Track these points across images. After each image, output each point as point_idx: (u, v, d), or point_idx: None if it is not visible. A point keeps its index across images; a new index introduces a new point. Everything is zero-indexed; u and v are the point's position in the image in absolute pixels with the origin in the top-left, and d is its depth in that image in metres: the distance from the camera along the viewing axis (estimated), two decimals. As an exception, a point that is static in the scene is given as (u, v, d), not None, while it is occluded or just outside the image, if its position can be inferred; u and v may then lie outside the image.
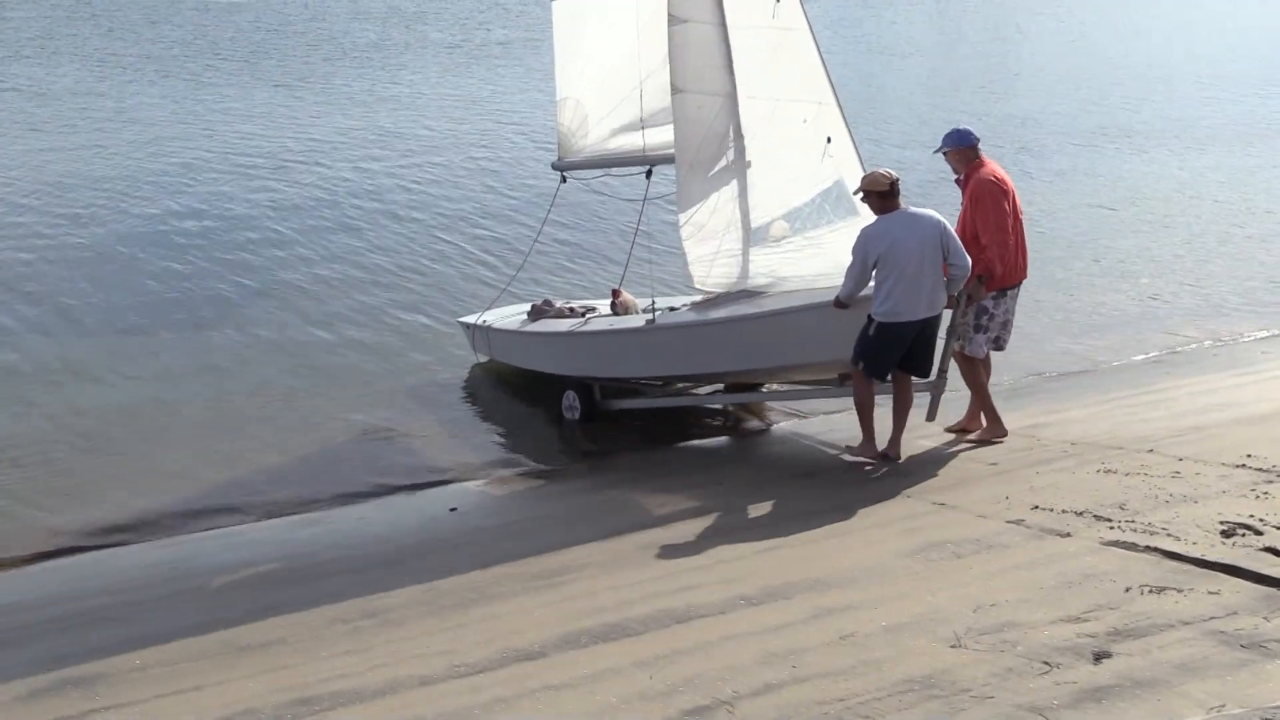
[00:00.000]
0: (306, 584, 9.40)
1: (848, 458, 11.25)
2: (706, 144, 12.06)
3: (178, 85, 37.42)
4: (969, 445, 11.19)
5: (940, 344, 11.03)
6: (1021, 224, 11.30)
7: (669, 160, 12.68)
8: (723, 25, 11.93)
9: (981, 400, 11.46)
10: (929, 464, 10.74)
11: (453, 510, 11.23)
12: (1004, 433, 11.29)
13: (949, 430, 11.59)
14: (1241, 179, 24.70)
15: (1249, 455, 9.25)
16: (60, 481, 11.96)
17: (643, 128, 13.31)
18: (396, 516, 11.38)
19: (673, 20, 11.87)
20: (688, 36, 11.91)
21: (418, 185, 24.86)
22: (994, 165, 11.34)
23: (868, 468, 10.86)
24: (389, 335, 16.29)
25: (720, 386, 13.50)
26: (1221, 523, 7.72)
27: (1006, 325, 11.39)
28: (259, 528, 11.20)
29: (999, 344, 11.44)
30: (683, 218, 12.10)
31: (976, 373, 11.39)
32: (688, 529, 9.67)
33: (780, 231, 12.07)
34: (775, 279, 12.03)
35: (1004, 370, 14.31)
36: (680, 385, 13.45)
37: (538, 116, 29.24)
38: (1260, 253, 19.42)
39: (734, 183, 12.12)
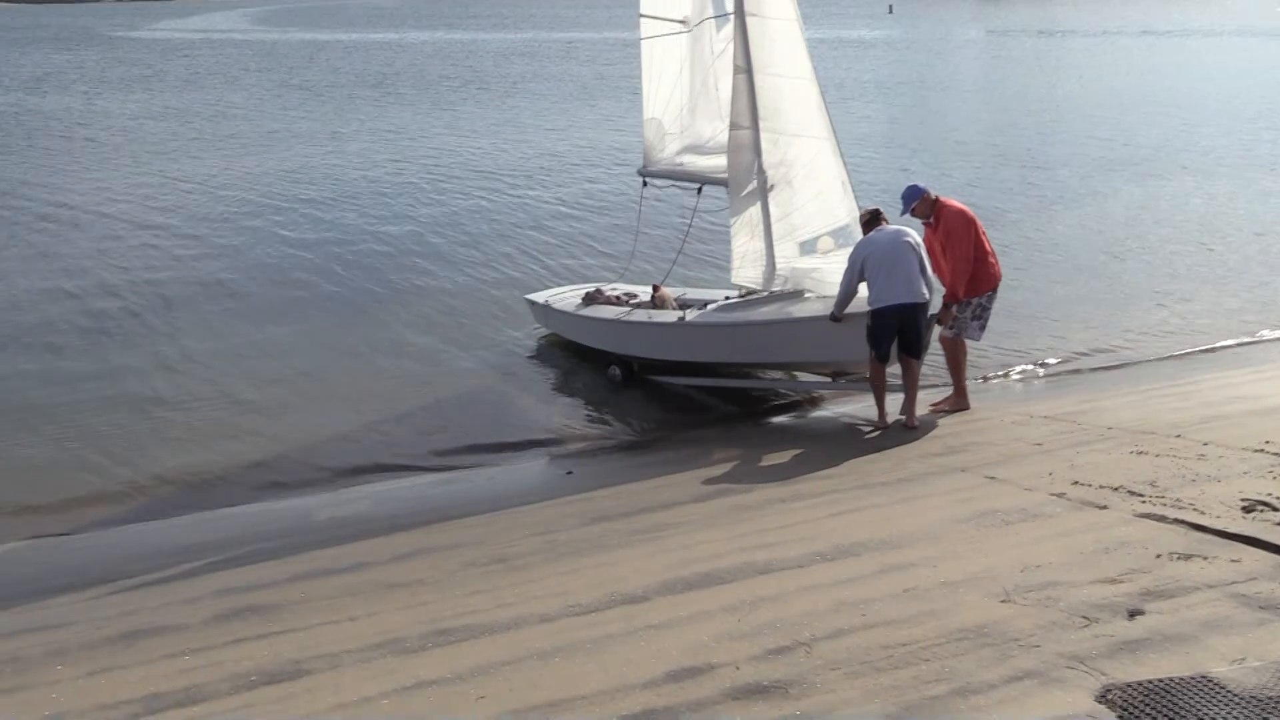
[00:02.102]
0: (444, 532, 9.52)
1: (866, 428, 11.95)
2: (749, 170, 12.88)
3: (327, 112, 38.21)
4: (1015, 423, 11.14)
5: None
6: (986, 239, 12.12)
7: (719, 182, 13.67)
8: (768, 73, 12.60)
9: (961, 378, 12.29)
10: (981, 443, 10.63)
11: (569, 474, 11.32)
12: (968, 405, 12.10)
13: (934, 406, 12.23)
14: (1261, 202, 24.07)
15: (1267, 441, 9.04)
16: (237, 445, 12.25)
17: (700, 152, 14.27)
18: (519, 477, 11.55)
19: (736, 70, 12.63)
20: (742, 83, 12.63)
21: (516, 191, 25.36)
22: (954, 202, 12.17)
23: (919, 442, 10.93)
24: (486, 308, 17.29)
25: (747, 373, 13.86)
26: (1242, 499, 7.56)
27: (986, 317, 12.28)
28: (402, 483, 11.40)
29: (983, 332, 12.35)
30: (732, 226, 13.09)
31: (959, 356, 12.24)
32: (769, 493, 9.65)
33: (826, 245, 12.85)
34: (800, 282, 12.96)
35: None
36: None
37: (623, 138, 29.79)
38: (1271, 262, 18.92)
39: (760, 203, 12.94)
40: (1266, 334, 15.25)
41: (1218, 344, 14.92)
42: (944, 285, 12.00)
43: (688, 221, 15.04)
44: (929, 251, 11.83)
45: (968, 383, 12.46)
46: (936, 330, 12.08)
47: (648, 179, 14.88)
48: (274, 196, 25.89)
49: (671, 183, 14.70)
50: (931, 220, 12.10)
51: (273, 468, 11.71)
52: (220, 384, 14.08)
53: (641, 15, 14.29)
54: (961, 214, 12.00)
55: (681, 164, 14.49)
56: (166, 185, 27.45)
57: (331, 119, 40.70)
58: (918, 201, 12.09)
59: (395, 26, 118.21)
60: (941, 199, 12.15)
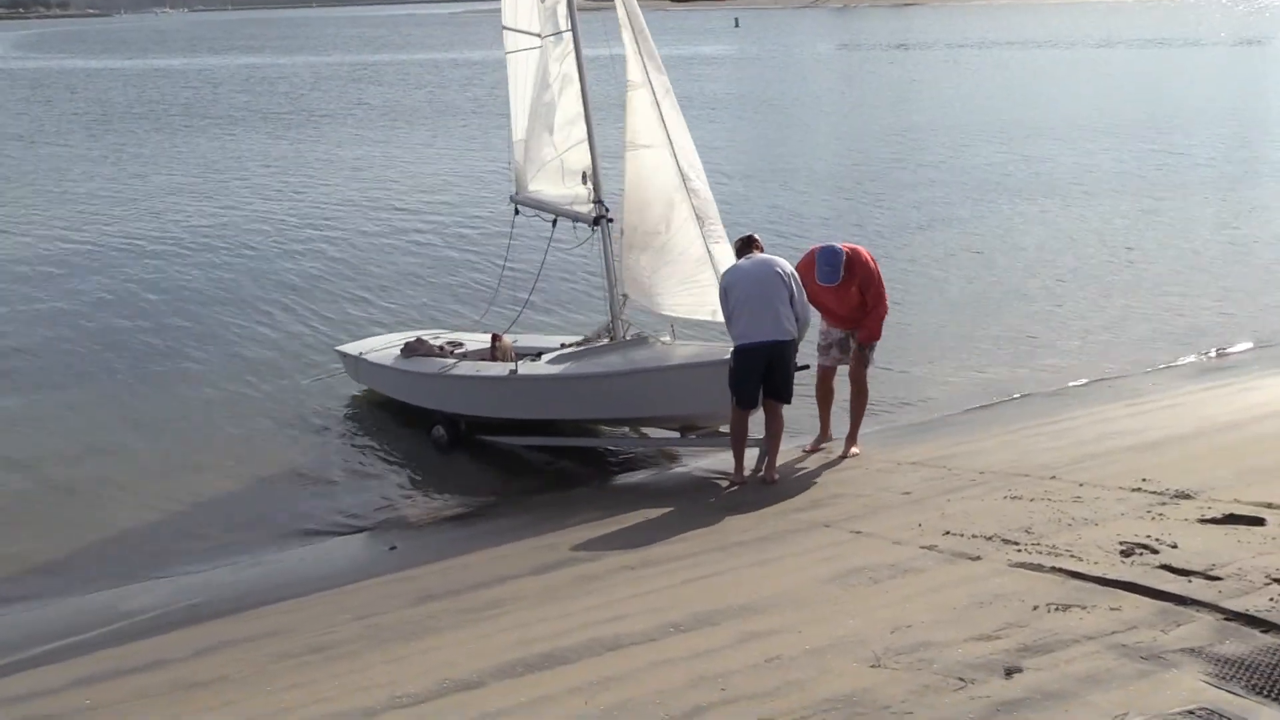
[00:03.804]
0: (252, 621, 9.35)
1: (723, 483, 11.94)
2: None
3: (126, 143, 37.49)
4: (882, 470, 11.42)
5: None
6: None
7: (570, 215, 13.94)
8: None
9: (827, 412, 12.83)
10: (846, 494, 10.86)
11: (392, 549, 11.21)
12: (831, 437, 12.67)
13: (808, 450, 12.57)
14: (1128, 225, 25.09)
15: (1144, 479, 9.40)
16: (9, 532, 11.87)
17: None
18: (335, 555, 11.41)
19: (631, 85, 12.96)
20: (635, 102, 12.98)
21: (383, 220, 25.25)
22: (852, 245, 12.41)
23: (780, 496, 11.07)
24: (297, 363, 17.22)
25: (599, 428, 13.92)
26: (1120, 543, 7.84)
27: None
28: (201, 569, 11.16)
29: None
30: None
31: (831, 388, 12.71)
32: (617, 560, 9.69)
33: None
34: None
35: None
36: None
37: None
38: (1140, 294, 19.65)
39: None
40: (1136, 368, 15.86)
41: (1093, 377, 15.47)
42: (861, 326, 12.20)
43: (540, 258, 14.77)
44: (842, 301, 12.06)
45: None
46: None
47: (519, 206, 14.77)
48: (60, 241, 25.35)
49: (534, 213, 14.58)
50: (842, 275, 12.05)
51: (54, 558, 11.37)
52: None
53: (504, 28, 14.41)
54: (865, 254, 12.28)
55: (541, 191, 14.53)
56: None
57: (137, 151, 40.21)
58: (845, 259, 12.01)
59: (215, 51, 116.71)
60: (845, 247, 12.23)
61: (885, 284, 12.42)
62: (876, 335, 12.34)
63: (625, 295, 13.60)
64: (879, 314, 12.24)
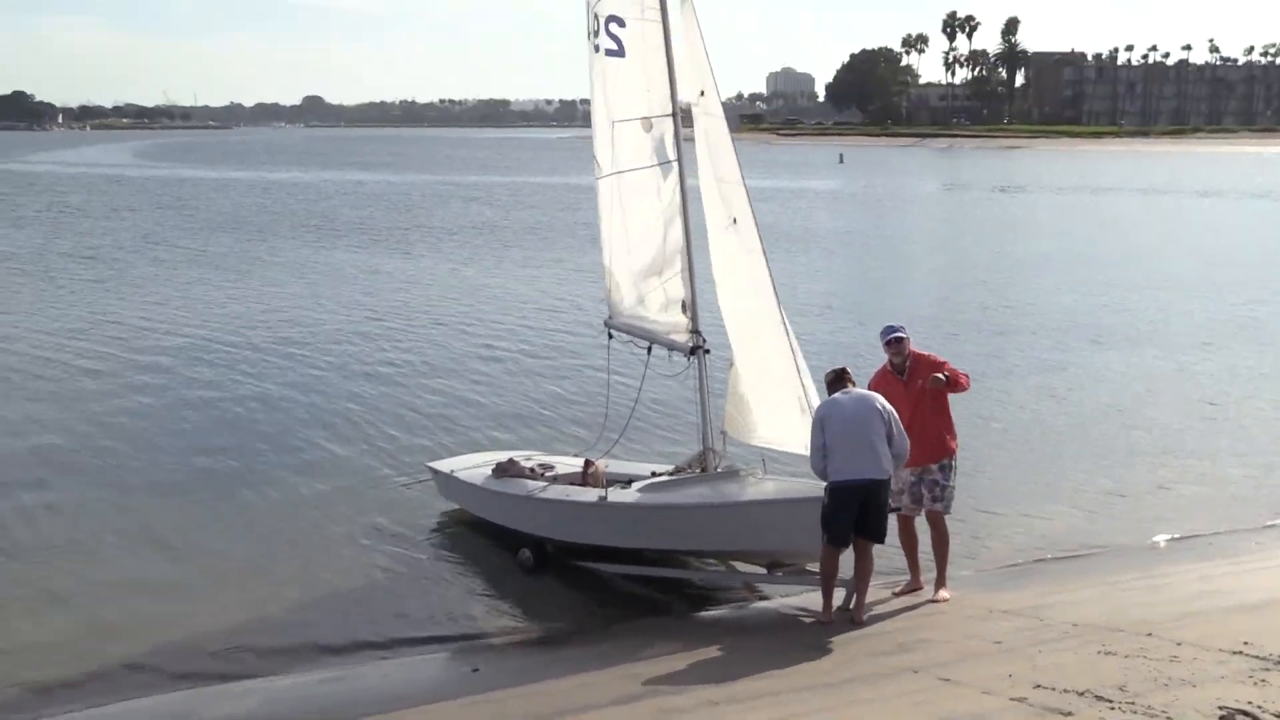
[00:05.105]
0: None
1: (809, 621, 11.84)
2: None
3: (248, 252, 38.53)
4: (973, 617, 11.22)
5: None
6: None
7: (667, 344, 14.02)
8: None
9: (915, 557, 12.61)
10: (934, 640, 10.69)
11: (475, 671, 11.18)
12: (920, 585, 12.42)
13: (898, 594, 12.39)
14: (1214, 378, 24.67)
15: (1246, 643, 9.19)
16: (99, 637, 12.03)
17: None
18: (417, 674, 11.40)
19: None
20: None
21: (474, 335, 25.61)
22: (928, 353, 12.56)
23: (868, 637, 10.90)
24: (388, 476, 17.34)
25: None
26: (1220, 708, 7.66)
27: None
28: (284, 681, 11.19)
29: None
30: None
31: (915, 534, 12.54)
32: (701, 695, 9.60)
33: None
34: None
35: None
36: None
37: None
38: (1231, 451, 19.25)
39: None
40: (1242, 524, 15.53)
41: (1192, 532, 15.16)
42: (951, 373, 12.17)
43: (636, 384, 14.86)
44: (905, 404, 11.90)
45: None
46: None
47: (612, 331, 14.85)
48: (165, 350, 26.03)
49: (631, 338, 14.64)
50: (904, 372, 12.21)
51: (133, 656, 11.50)
52: (85, 562, 13.95)
53: (594, 156, 14.54)
54: (939, 360, 12.33)
55: (639, 317, 14.53)
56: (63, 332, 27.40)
57: (251, 261, 41.48)
58: (905, 338, 12.26)
59: (327, 165, 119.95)
60: (914, 349, 12.35)
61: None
62: (962, 384, 12.26)
63: (724, 433, 13.67)
64: (965, 377, 12.33)
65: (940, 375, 12.09)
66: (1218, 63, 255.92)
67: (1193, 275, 40.08)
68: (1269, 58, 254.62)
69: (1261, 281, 38.27)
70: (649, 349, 14.34)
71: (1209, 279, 39.04)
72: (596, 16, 13.86)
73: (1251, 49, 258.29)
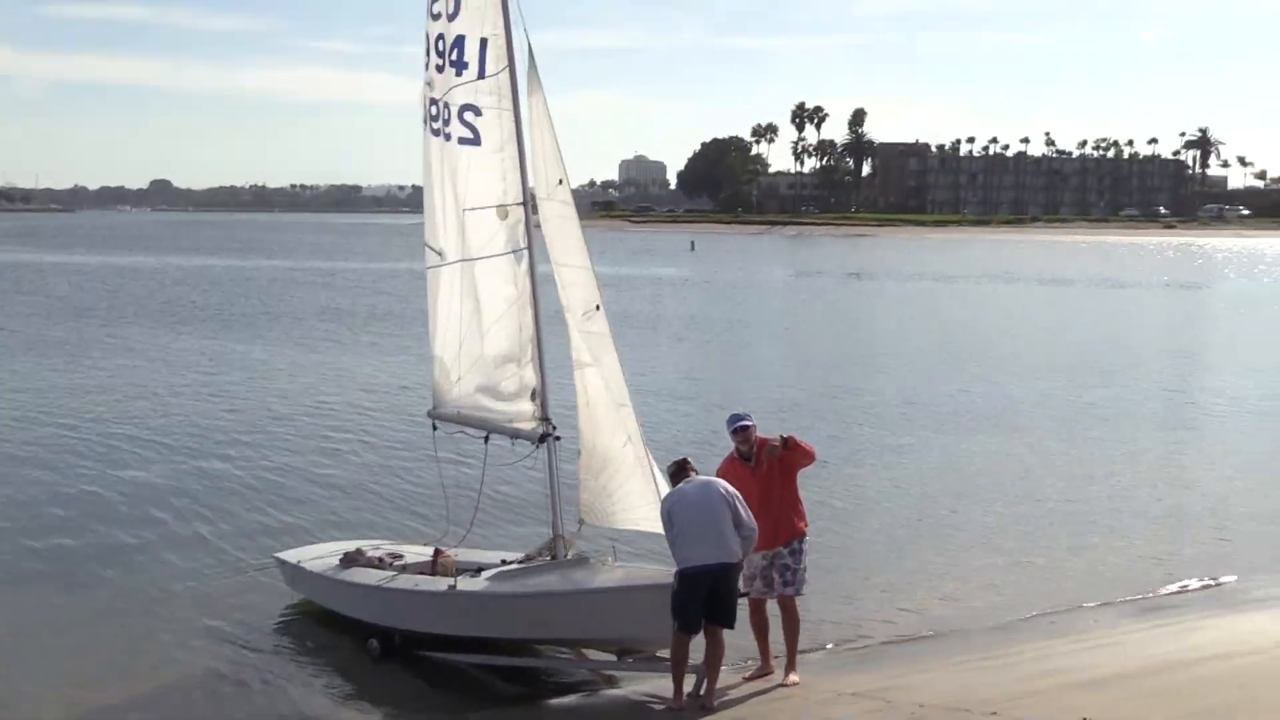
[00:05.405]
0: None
1: (658, 707, 11.81)
2: None
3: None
4: (821, 701, 11.24)
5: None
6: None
7: (516, 433, 13.97)
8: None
9: (765, 643, 12.62)
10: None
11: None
12: (771, 669, 12.39)
13: (748, 679, 12.36)
14: (1066, 459, 25.36)
15: (1085, 718, 9.34)
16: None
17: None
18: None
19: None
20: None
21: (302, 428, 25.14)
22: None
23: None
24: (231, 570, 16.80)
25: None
26: (1061, 785, 7.75)
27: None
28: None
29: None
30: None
31: (766, 618, 12.54)
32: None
33: None
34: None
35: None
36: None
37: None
38: (1078, 530, 19.70)
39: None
40: (1088, 602, 15.86)
41: (1034, 612, 15.42)
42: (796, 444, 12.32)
43: (482, 473, 14.54)
44: (753, 488, 11.99)
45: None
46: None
47: (437, 421, 14.79)
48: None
49: (460, 428, 14.57)
50: (751, 459, 12.32)
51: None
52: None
53: (425, 244, 14.55)
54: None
55: (480, 407, 14.39)
56: None
57: (90, 345, 40.44)
58: (751, 425, 12.38)
59: (172, 250, 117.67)
60: (760, 435, 12.47)
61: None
62: (804, 449, 12.42)
63: (582, 522, 13.67)
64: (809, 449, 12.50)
65: (775, 443, 12.20)
66: (1053, 155, 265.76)
67: (1032, 361, 41.19)
68: (1100, 151, 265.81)
69: (1102, 369, 39.37)
70: (486, 438, 14.27)
71: (1049, 365, 40.12)
72: (446, 105, 13.82)
73: (1084, 142, 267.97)
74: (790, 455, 12.33)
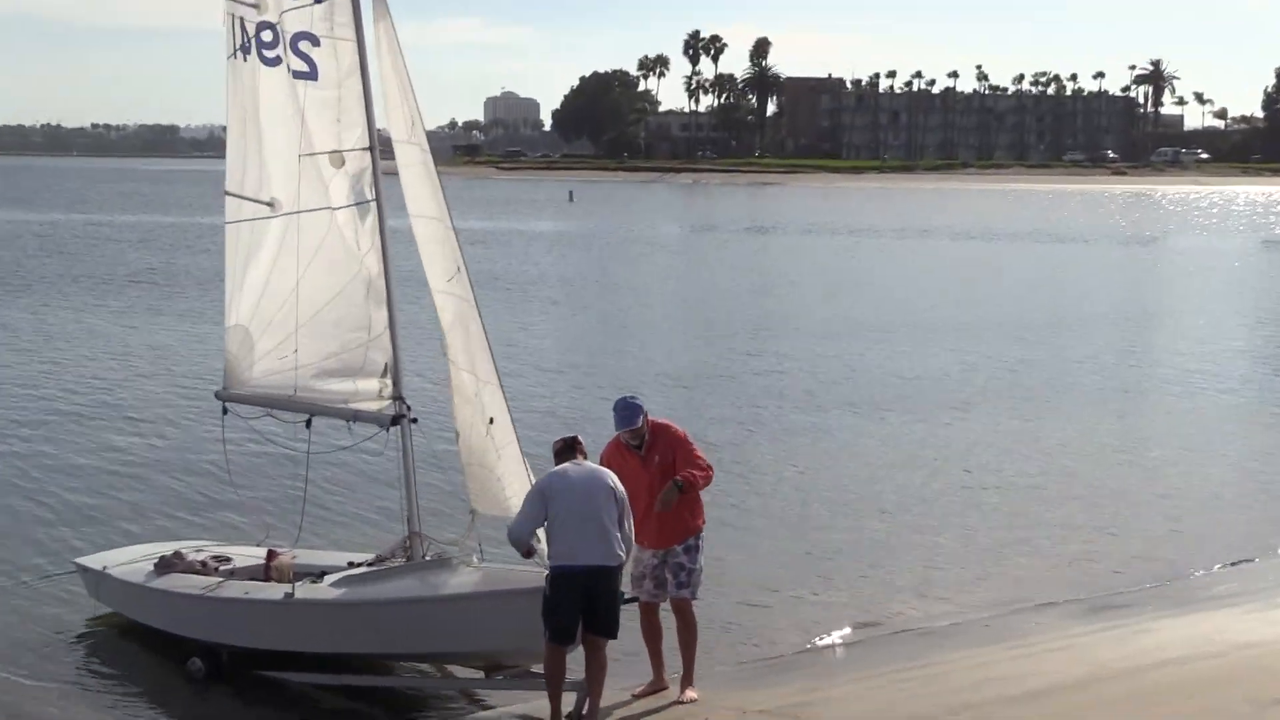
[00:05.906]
0: None
1: None
2: None
3: None
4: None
5: None
6: None
7: (333, 413, 13.91)
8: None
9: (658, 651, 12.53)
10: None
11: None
12: (666, 685, 12.33)
13: (638, 695, 12.30)
14: (994, 441, 25.67)
15: (1024, 735, 9.48)
16: None
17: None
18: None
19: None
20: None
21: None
22: (663, 420, 12.63)
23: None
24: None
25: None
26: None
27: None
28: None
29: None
30: None
31: (658, 623, 12.47)
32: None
33: None
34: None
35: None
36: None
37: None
38: (1016, 522, 19.98)
39: None
40: (1027, 602, 16.08)
41: (967, 615, 15.62)
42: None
43: (305, 465, 14.56)
44: (641, 482, 11.90)
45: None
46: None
47: (228, 404, 14.67)
48: None
49: (265, 412, 14.46)
50: (642, 446, 12.18)
51: None
52: None
53: (228, 193, 14.40)
54: (676, 430, 12.37)
55: (292, 385, 14.16)
56: None
57: None
58: (643, 417, 12.16)
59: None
60: (652, 419, 12.36)
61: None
62: (696, 480, 12.12)
63: (474, 512, 13.55)
64: (705, 472, 12.24)
65: (672, 487, 11.97)
66: (986, 91, 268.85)
67: (958, 329, 41.69)
68: (1039, 87, 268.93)
69: (1040, 338, 39.97)
70: (308, 421, 14.14)
71: (975, 333, 40.62)
72: (281, 30, 13.54)
73: (1021, 77, 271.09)
74: (687, 494, 12.13)
